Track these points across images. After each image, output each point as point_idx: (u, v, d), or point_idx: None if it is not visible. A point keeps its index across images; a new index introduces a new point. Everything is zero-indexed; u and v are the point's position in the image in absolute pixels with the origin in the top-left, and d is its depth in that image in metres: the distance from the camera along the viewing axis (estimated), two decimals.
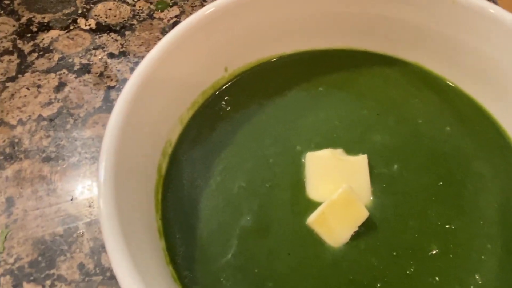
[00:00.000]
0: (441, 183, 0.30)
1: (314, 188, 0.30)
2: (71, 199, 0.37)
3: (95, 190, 0.37)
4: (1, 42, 0.46)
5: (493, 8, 0.30)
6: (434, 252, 0.27)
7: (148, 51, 0.46)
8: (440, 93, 0.34)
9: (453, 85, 0.34)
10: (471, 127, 0.32)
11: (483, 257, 0.27)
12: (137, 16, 0.48)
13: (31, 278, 0.33)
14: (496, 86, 0.32)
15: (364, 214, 0.28)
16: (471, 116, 0.33)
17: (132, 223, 0.24)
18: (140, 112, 0.28)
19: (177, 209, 0.29)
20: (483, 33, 0.31)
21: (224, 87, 0.34)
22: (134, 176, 0.27)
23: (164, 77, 0.31)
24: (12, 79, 0.44)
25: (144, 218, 0.27)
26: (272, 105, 0.34)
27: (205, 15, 0.31)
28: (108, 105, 0.42)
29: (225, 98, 0.34)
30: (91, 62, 0.45)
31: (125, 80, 0.44)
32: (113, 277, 0.33)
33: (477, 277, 0.27)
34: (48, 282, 0.33)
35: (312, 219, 0.28)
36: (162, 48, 0.30)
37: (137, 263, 0.22)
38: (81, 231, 0.35)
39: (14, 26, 0.48)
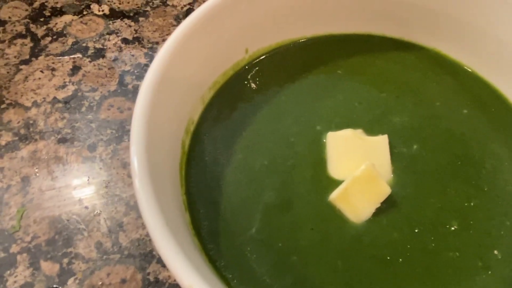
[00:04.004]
0: (459, 162, 0.30)
1: (336, 167, 0.30)
2: (88, 180, 0.37)
3: (111, 171, 0.37)
4: (14, 26, 0.46)
5: None
6: (454, 228, 0.28)
7: (162, 37, 0.46)
8: (457, 77, 0.35)
9: (470, 70, 0.35)
10: (487, 110, 0.33)
11: (502, 232, 0.28)
12: (151, 3, 0.48)
13: (48, 256, 0.33)
14: None
15: (386, 191, 0.28)
16: (487, 99, 0.34)
17: (164, 198, 0.25)
18: (165, 91, 0.29)
19: (200, 185, 0.30)
20: (499, 18, 0.32)
21: (244, 68, 0.35)
22: (162, 153, 0.27)
23: (187, 58, 0.31)
24: (26, 62, 0.44)
25: (172, 193, 0.27)
26: (291, 86, 0.34)
27: None
28: (122, 89, 0.42)
29: (246, 79, 0.35)
30: (105, 47, 0.45)
31: (139, 65, 0.44)
32: (130, 256, 0.33)
33: (496, 253, 0.27)
34: (65, 260, 0.33)
35: (335, 196, 0.29)
36: (185, 29, 0.31)
37: (176, 237, 0.22)
38: (98, 210, 0.35)
39: (26, 10, 0.48)
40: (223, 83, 0.34)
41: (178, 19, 0.47)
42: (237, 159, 0.31)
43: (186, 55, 0.31)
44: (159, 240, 0.21)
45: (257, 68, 0.35)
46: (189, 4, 0.48)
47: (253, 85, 0.34)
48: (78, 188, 0.37)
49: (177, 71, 0.30)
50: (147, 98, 0.26)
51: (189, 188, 0.29)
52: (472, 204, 0.29)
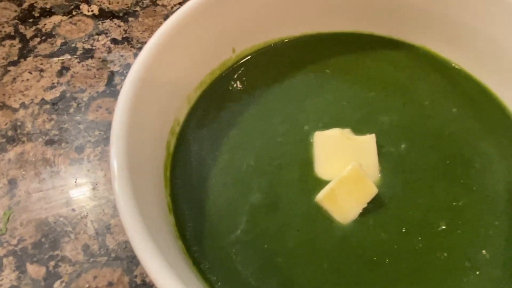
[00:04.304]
0: (448, 162, 0.30)
1: (323, 167, 0.30)
2: (75, 182, 0.37)
3: (99, 173, 0.37)
4: (3, 27, 0.46)
5: None
6: (442, 228, 0.28)
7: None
8: (446, 75, 0.34)
9: (458, 68, 0.35)
10: (477, 108, 0.33)
11: (490, 232, 0.28)
12: (140, 3, 0.48)
13: (35, 259, 0.33)
14: (502, 69, 0.32)
15: (373, 191, 0.28)
16: (477, 98, 0.33)
17: (146, 200, 0.24)
18: (149, 91, 0.28)
19: (185, 186, 0.29)
20: (489, 16, 0.32)
21: (231, 67, 0.35)
22: (145, 155, 0.27)
23: (172, 57, 0.31)
24: (14, 63, 0.43)
25: (155, 195, 0.27)
26: (279, 86, 0.34)
27: None
28: (111, 90, 0.42)
29: (233, 78, 0.34)
30: (94, 47, 0.45)
31: (128, 65, 0.43)
32: (118, 258, 0.33)
33: (485, 253, 0.27)
34: (52, 263, 0.33)
35: (321, 196, 0.28)
36: (170, 27, 0.30)
37: (156, 240, 0.22)
38: (85, 213, 0.35)
39: (15, 11, 0.47)
40: (210, 83, 0.34)
41: None
42: (223, 160, 0.30)
43: (171, 53, 0.30)
44: (138, 244, 0.20)
45: (244, 67, 0.35)
46: (179, 3, 0.48)
47: (240, 85, 0.34)
48: (66, 190, 0.36)
49: (161, 70, 0.29)
50: (129, 98, 0.26)
51: (174, 190, 0.29)
52: (460, 203, 0.28)
